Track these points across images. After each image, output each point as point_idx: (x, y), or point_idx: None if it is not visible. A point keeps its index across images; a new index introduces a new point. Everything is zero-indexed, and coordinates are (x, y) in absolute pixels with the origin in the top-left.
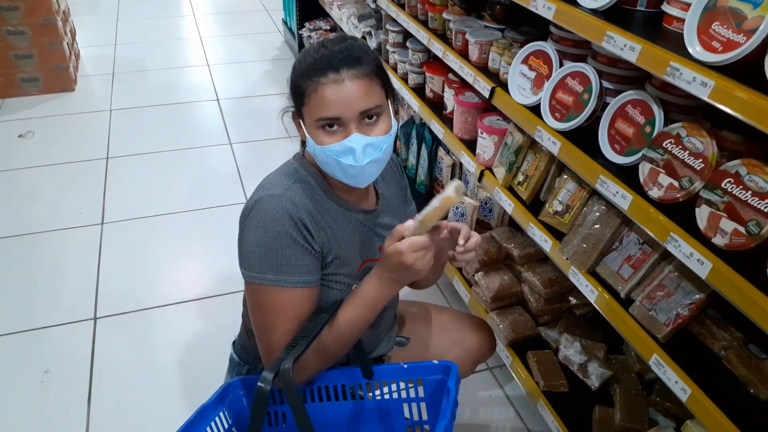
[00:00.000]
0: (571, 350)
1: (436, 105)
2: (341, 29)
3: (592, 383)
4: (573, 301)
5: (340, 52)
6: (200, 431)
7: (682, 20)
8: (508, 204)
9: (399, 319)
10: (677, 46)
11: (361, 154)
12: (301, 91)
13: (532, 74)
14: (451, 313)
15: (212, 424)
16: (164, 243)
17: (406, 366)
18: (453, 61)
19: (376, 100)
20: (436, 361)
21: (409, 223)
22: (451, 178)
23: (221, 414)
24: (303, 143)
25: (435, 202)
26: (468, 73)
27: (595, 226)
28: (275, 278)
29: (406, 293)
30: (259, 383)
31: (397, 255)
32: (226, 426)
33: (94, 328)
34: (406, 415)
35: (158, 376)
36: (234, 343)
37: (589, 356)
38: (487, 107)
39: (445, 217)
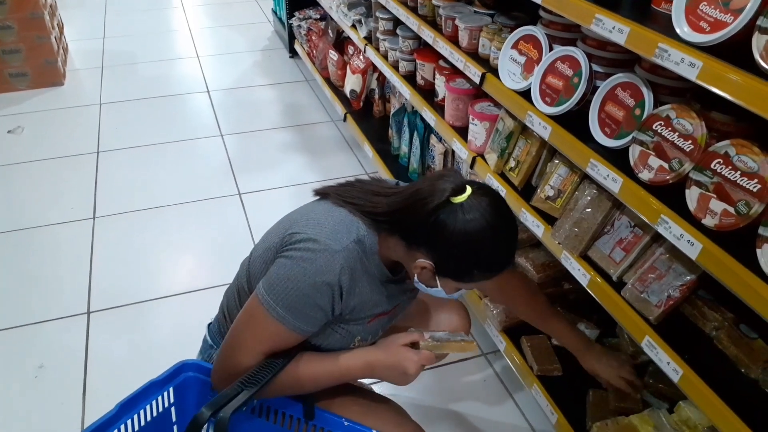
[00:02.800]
0: None
1: (428, 92)
2: (331, 18)
3: None
4: (566, 285)
5: None
6: (143, 405)
7: (671, 1)
8: (500, 190)
9: None
10: (666, 27)
11: None
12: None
13: (522, 59)
14: (427, 295)
15: (155, 400)
16: (156, 236)
17: (346, 423)
18: (443, 47)
19: None
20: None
21: (427, 336)
22: (444, 165)
23: (166, 392)
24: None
25: (457, 339)
26: (458, 60)
27: (587, 210)
28: (282, 314)
29: None
30: (196, 415)
31: (405, 359)
32: (166, 405)
33: (87, 323)
34: None
35: (152, 368)
36: (209, 325)
37: (575, 321)
38: (478, 93)
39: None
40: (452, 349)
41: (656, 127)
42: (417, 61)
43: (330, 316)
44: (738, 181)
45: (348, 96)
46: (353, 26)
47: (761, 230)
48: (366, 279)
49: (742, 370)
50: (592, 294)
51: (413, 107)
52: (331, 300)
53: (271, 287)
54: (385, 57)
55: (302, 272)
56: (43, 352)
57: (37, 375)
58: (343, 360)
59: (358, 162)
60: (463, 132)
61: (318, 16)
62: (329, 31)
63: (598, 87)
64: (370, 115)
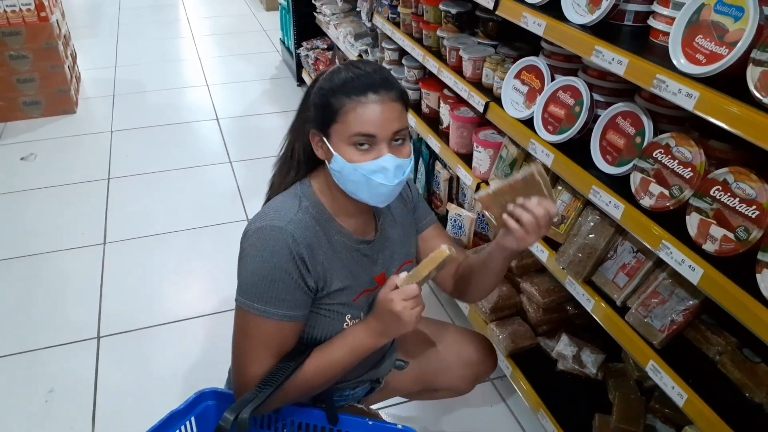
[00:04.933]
0: (561, 345)
1: (433, 120)
2: (338, 48)
3: (590, 371)
4: (571, 310)
5: (376, 74)
6: None
7: (668, 34)
8: None
9: (401, 337)
10: (663, 59)
11: (392, 173)
12: (334, 108)
13: (525, 88)
14: (450, 328)
15: (179, 430)
16: (166, 261)
17: (370, 423)
18: (448, 77)
19: (405, 123)
20: (400, 426)
21: (403, 275)
22: (449, 191)
23: (188, 422)
24: (305, 170)
25: (429, 257)
26: (462, 89)
27: (590, 236)
28: (262, 308)
29: None
30: (220, 422)
31: (387, 302)
32: None
33: (97, 347)
34: None
35: (162, 393)
36: None
37: (580, 346)
38: (481, 121)
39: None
40: (426, 268)
41: (656, 154)
42: (422, 90)
43: (309, 293)
44: (737, 208)
45: None
46: (360, 56)
47: (760, 255)
48: (328, 246)
49: (747, 395)
50: (597, 319)
51: (418, 134)
52: (299, 274)
53: (242, 289)
54: None
55: (260, 260)
56: (54, 377)
57: (47, 399)
58: (350, 334)
59: None
60: (467, 159)
61: (325, 46)
62: (336, 60)
63: (599, 115)
64: None
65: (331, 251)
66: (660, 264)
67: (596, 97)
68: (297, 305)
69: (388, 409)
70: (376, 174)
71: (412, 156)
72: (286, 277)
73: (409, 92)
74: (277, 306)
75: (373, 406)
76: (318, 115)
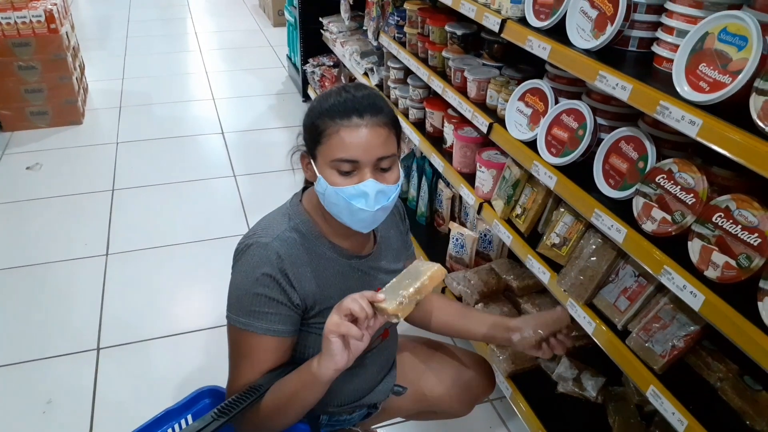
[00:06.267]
0: (561, 367)
1: (436, 139)
2: (344, 66)
3: (590, 395)
4: (572, 333)
5: (364, 99)
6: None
7: (672, 61)
8: (507, 236)
9: (398, 358)
10: (667, 85)
11: (373, 199)
12: (319, 130)
13: (529, 111)
14: (448, 349)
15: (173, 427)
16: (168, 274)
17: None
18: (452, 97)
19: (392, 149)
20: None
21: (380, 295)
22: (452, 209)
23: (184, 420)
24: (303, 189)
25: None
26: (467, 109)
27: (592, 259)
28: (246, 322)
29: (404, 328)
30: None
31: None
32: None
33: (97, 359)
34: None
35: (160, 406)
36: None
37: (580, 368)
38: (485, 142)
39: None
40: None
41: (659, 180)
42: (426, 109)
43: (294, 308)
44: (739, 235)
45: None
46: (365, 74)
47: (762, 283)
48: (317, 263)
49: (747, 423)
50: (597, 342)
51: (422, 153)
52: (280, 290)
53: (229, 304)
54: (395, 104)
55: (244, 275)
56: (52, 388)
57: (45, 410)
58: (303, 366)
59: None
60: (470, 178)
61: (331, 63)
62: (342, 77)
63: (603, 139)
64: None
65: (321, 269)
66: (661, 289)
67: (600, 120)
68: (281, 320)
69: (386, 429)
70: (356, 199)
71: (400, 183)
72: (267, 291)
73: (414, 111)
74: (261, 319)
75: (373, 426)
76: (306, 136)
